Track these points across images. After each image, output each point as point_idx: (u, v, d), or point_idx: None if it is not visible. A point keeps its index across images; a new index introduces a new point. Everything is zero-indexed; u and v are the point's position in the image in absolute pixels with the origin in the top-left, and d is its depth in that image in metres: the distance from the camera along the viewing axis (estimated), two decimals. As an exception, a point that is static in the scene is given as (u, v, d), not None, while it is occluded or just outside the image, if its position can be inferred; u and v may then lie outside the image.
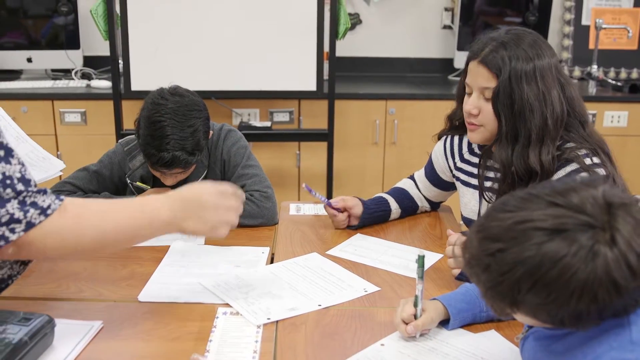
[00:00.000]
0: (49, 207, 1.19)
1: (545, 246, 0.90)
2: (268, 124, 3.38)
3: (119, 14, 3.08)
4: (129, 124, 3.26)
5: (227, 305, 1.44)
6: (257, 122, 3.41)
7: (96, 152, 2.08)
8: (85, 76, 3.74)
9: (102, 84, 3.54)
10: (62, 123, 3.43)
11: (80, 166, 2.05)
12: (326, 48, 3.21)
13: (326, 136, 3.30)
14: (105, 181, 2.01)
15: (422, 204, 2.04)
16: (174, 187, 1.98)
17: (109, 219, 1.27)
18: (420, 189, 2.03)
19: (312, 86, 3.21)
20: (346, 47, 3.83)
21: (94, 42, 3.76)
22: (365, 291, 1.52)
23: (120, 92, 3.19)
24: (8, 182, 1.16)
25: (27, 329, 1.20)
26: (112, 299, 1.48)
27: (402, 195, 2.01)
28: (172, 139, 1.79)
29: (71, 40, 3.75)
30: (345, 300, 1.48)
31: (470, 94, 1.65)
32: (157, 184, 2.01)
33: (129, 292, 1.50)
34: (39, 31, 3.79)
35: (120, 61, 3.17)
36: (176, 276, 1.59)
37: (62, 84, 3.59)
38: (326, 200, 1.89)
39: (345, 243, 1.82)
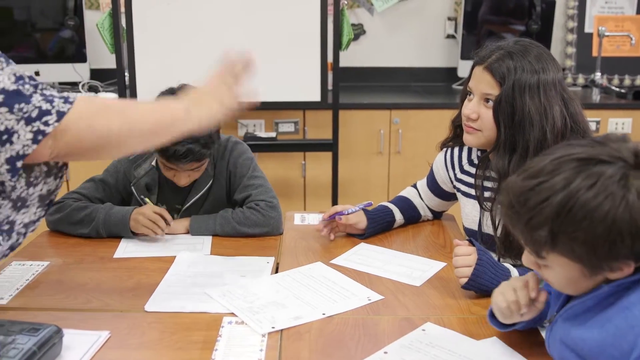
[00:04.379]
0: (68, 97, 1.22)
1: (581, 173, 0.98)
2: (273, 134, 3.41)
3: (125, 28, 3.12)
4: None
5: (233, 314, 1.45)
6: (262, 133, 3.44)
7: (104, 163, 2.11)
8: (92, 89, 3.77)
9: (109, 97, 3.57)
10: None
11: (87, 175, 2.08)
12: (330, 59, 3.23)
13: (331, 146, 3.32)
14: (110, 189, 2.04)
15: (425, 213, 2.06)
16: (183, 194, 2.02)
17: (132, 108, 1.34)
18: (422, 198, 2.04)
19: (316, 97, 3.23)
20: (350, 58, 3.85)
21: (101, 55, 3.80)
22: (369, 300, 1.54)
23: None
24: (21, 80, 1.19)
25: (36, 339, 1.22)
26: (119, 309, 1.50)
27: (405, 205, 2.03)
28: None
29: (78, 54, 3.79)
30: (349, 308, 1.49)
31: (471, 99, 1.66)
32: (162, 191, 2.03)
33: (135, 302, 1.52)
34: (46, 45, 3.84)
35: (127, 73, 3.21)
36: (182, 286, 1.61)
37: (69, 97, 3.62)
38: (341, 214, 1.89)
39: (349, 252, 1.83)
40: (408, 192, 2.08)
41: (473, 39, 3.90)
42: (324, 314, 1.46)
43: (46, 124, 1.17)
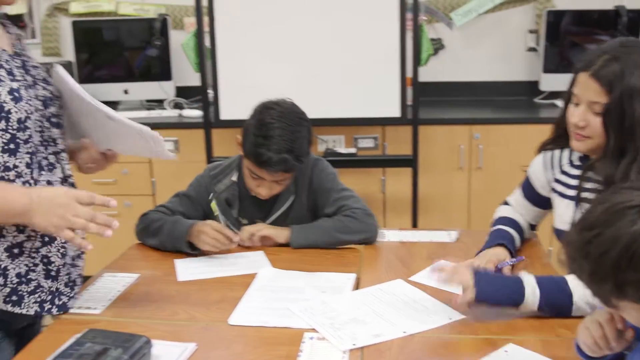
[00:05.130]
0: None
1: (638, 221, 0.95)
2: (353, 150, 3.43)
3: (209, 47, 3.22)
4: (218, 151, 3.38)
5: (314, 330, 1.47)
6: (342, 149, 3.47)
7: (188, 178, 2.18)
8: (177, 106, 3.91)
9: (193, 114, 3.69)
10: (156, 151, 3.59)
11: (172, 191, 2.15)
12: (409, 74, 3.24)
13: (411, 162, 3.32)
14: (193, 203, 2.10)
15: (528, 234, 1.99)
16: (265, 209, 2.05)
17: None
18: (521, 214, 1.98)
19: (396, 112, 3.24)
20: (429, 72, 3.84)
21: (185, 73, 3.93)
22: (450, 319, 1.52)
23: (210, 121, 3.32)
24: None
25: (128, 349, 1.28)
26: (205, 321, 1.55)
27: (518, 228, 1.94)
28: (282, 139, 1.86)
29: (164, 72, 3.94)
30: (430, 327, 1.49)
31: (577, 105, 1.63)
32: (243, 206, 2.08)
33: (220, 315, 1.57)
34: (134, 64, 4.01)
35: (210, 91, 3.30)
36: (265, 301, 1.64)
37: (155, 114, 3.76)
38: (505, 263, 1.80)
39: (429, 269, 1.82)
40: (511, 213, 1.97)
41: (556, 51, 3.81)
42: (404, 332, 1.46)
43: None
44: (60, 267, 1.54)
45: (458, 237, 2.09)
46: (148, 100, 4.03)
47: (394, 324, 1.50)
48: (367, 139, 3.53)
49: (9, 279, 1.46)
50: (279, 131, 1.87)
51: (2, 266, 1.45)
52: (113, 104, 3.97)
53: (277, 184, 1.98)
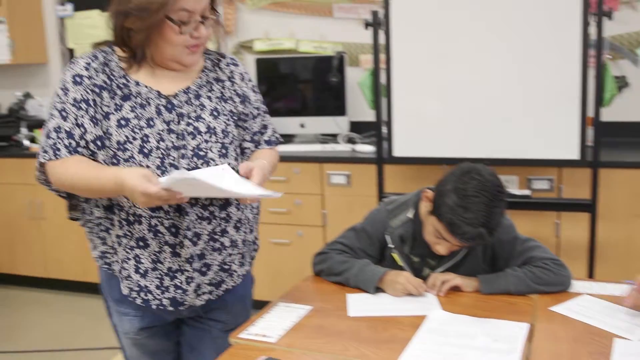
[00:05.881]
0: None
1: None
2: (528, 192, 3.33)
3: (384, 85, 3.28)
4: (390, 186, 3.43)
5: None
6: (516, 190, 3.37)
7: (358, 212, 2.23)
8: (350, 140, 4.01)
9: (366, 149, 3.77)
10: (329, 184, 3.72)
11: (343, 223, 2.21)
12: (590, 113, 3.09)
13: (589, 207, 3.15)
14: (370, 238, 2.13)
15: None
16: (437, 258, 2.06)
17: (82, 176, 1.67)
18: None
19: (574, 154, 3.10)
20: (611, 112, 3.63)
21: (359, 108, 4.04)
22: None
23: (383, 157, 3.37)
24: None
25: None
26: (375, 360, 1.57)
27: None
28: (482, 215, 1.85)
29: (338, 107, 4.07)
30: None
31: None
32: (416, 244, 2.08)
33: (390, 355, 1.58)
34: (310, 98, 4.18)
35: (384, 128, 3.36)
36: (435, 344, 1.64)
37: (329, 148, 3.89)
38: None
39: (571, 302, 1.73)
40: None
41: None
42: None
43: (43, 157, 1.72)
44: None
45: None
46: (322, 134, 4.17)
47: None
48: (542, 181, 3.41)
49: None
50: (479, 206, 1.85)
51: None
52: (289, 137, 4.16)
53: (458, 246, 1.98)
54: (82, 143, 1.70)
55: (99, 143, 1.71)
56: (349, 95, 4.06)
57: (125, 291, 1.81)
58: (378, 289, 1.99)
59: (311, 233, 3.77)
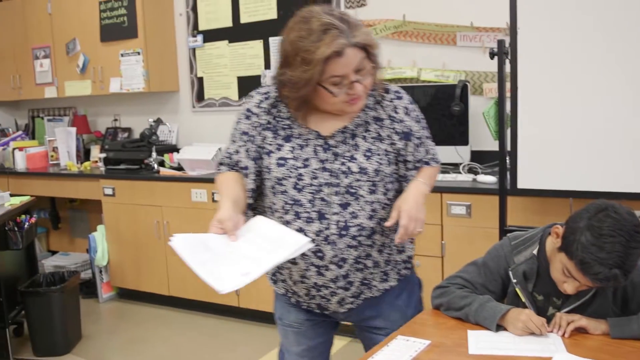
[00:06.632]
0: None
1: None
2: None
3: (509, 114, 3.19)
4: (512, 219, 3.31)
5: None
6: None
7: (478, 244, 2.17)
8: (471, 170, 3.93)
9: (488, 179, 3.67)
10: (448, 214, 3.64)
11: (462, 255, 2.15)
12: None
13: None
14: (492, 273, 2.07)
15: None
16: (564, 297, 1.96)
17: (219, 191, 1.94)
18: None
19: None
20: None
21: (481, 138, 3.96)
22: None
23: (506, 189, 3.27)
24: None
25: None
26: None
27: None
28: (618, 256, 1.75)
29: (461, 137, 4.00)
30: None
31: None
32: (540, 282, 1.99)
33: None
34: (431, 127, 4.10)
35: (507, 159, 3.27)
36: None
37: (450, 177, 3.82)
38: None
39: None
40: None
41: None
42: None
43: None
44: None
45: None
46: (444, 164, 4.10)
47: None
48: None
49: None
50: (615, 246, 1.75)
51: None
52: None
53: (588, 286, 1.87)
54: (241, 164, 1.99)
55: (263, 172, 1.98)
56: (471, 125, 3.98)
57: (281, 291, 2.13)
58: (499, 327, 1.92)
59: (429, 263, 3.70)
